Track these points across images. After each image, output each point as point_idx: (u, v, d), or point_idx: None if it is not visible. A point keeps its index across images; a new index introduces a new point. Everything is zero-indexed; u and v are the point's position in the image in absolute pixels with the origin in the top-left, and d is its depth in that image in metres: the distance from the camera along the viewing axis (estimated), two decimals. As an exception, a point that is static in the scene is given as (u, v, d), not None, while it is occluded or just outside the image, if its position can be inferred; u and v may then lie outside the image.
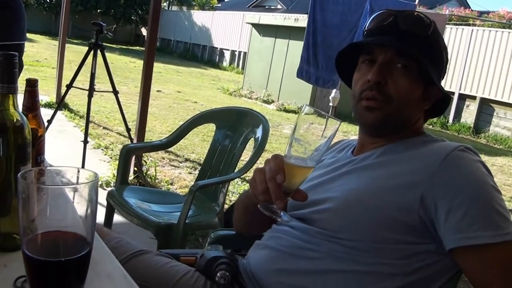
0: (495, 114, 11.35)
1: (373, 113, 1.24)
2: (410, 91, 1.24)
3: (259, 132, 2.65)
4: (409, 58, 1.22)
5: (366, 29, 1.31)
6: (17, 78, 0.95)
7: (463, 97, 11.87)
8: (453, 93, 11.66)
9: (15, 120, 0.92)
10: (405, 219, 1.13)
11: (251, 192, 1.18)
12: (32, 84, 1.13)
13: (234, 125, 2.85)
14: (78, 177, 0.72)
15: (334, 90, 6.34)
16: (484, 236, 1.04)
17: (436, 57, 1.27)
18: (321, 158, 1.11)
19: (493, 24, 13.48)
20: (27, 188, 0.64)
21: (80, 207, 0.67)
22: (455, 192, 1.09)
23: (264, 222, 1.35)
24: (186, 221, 2.33)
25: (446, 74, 1.35)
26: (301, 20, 10.39)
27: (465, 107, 11.87)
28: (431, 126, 11.56)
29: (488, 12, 18.14)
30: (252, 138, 2.71)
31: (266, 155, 6.02)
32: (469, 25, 13.37)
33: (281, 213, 1.11)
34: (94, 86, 4.02)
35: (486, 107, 11.49)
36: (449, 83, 11.79)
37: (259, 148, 2.57)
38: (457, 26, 12.61)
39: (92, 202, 0.68)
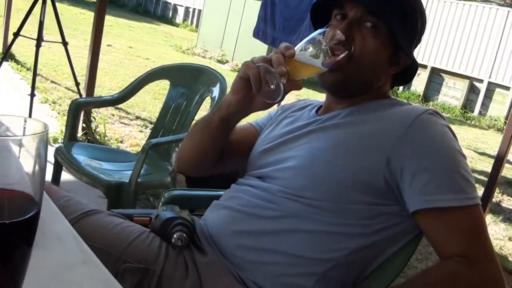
0: (444, 83, 11.61)
1: (332, 75, 1.20)
2: (376, 52, 1.20)
3: (216, 91, 2.58)
4: (379, 17, 1.18)
5: None
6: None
7: (414, 65, 12.07)
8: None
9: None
10: (370, 181, 1.12)
11: (241, 73, 1.12)
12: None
13: (190, 83, 2.76)
14: (25, 128, 0.64)
15: (290, 53, 6.26)
16: (449, 200, 1.05)
17: (409, 22, 1.23)
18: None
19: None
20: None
21: (27, 163, 0.59)
22: (422, 155, 1.09)
23: (216, 156, 1.34)
24: (138, 180, 2.26)
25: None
26: (259, -21, 10.19)
27: (416, 75, 12.08)
28: (382, 93, 11.73)
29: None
30: (208, 97, 2.64)
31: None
32: (423, -7, 13.47)
33: (281, 79, 1.03)
34: (43, 36, 3.81)
35: (436, 76, 11.73)
36: (401, 51, 11.92)
37: (216, 108, 2.50)
38: (412, -6, 12.68)
39: (41, 158, 0.60)
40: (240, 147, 1.44)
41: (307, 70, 1.11)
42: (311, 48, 1.10)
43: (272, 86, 1.04)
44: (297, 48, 1.08)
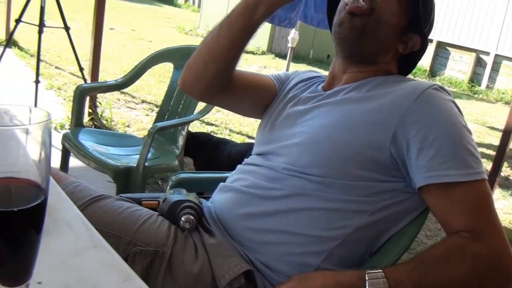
0: (450, 57, 11.51)
1: (353, 20, 1.20)
2: (395, 16, 1.22)
3: (220, 72, 2.57)
4: None
5: None
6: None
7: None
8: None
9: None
10: (375, 157, 1.11)
11: None
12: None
13: (194, 64, 2.75)
14: (30, 118, 0.65)
15: (293, 31, 6.22)
16: (455, 175, 1.04)
17: (427, 5, 1.27)
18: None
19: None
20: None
21: (33, 151, 0.60)
22: (428, 131, 1.08)
23: (227, 65, 1.31)
24: (146, 164, 2.27)
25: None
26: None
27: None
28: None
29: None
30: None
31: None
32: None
33: None
34: (44, 22, 3.79)
35: (443, 50, 11.62)
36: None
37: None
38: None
39: (46, 145, 0.60)
40: (250, 88, 1.43)
41: None
42: None
43: None
44: None
